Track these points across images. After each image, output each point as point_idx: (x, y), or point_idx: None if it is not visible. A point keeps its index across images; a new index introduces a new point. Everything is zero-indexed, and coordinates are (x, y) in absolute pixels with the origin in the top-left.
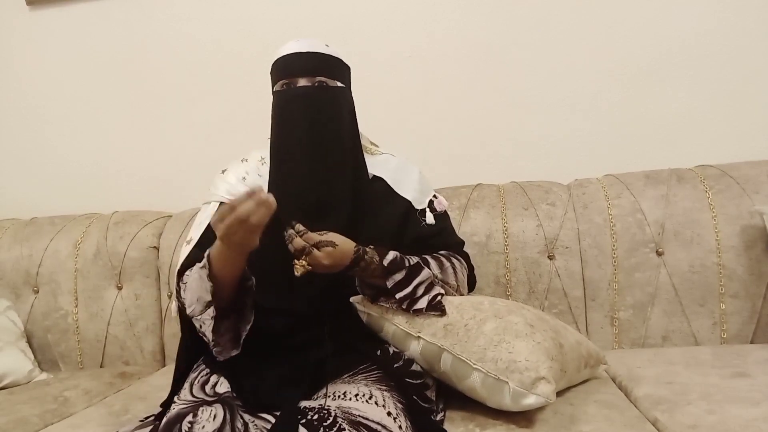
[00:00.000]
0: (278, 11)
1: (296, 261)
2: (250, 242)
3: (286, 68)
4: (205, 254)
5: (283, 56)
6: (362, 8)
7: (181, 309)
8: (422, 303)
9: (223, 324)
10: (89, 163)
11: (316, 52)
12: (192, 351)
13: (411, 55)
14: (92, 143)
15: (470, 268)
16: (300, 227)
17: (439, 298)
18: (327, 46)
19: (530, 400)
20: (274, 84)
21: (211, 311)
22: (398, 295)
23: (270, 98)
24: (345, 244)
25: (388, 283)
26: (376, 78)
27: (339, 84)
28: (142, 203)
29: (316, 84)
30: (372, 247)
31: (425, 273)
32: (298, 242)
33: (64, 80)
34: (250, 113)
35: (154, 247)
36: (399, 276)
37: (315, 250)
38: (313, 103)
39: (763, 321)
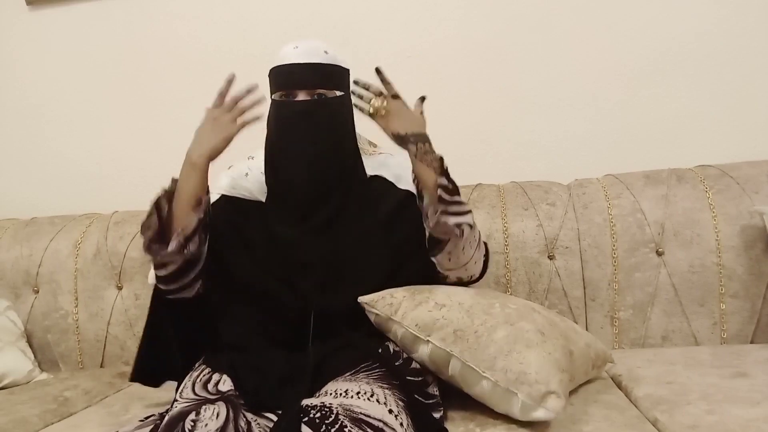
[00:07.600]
0: (278, 11)
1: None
2: (230, 129)
3: (285, 80)
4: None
5: (282, 66)
6: (362, 8)
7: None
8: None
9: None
10: (89, 163)
11: (315, 63)
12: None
13: (411, 55)
14: (92, 143)
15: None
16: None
17: (465, 223)
18: (326, 53)
19: (539, 414)
20: (272, 90)
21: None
22: (441, 181)
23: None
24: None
25: (439, 180)
26: (376, 78)
27: (338, 93)
28: (142, 203)
29: (315, 97)
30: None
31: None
32: (377, 87)
33: (64, 80)
34: None
35: None
36: (446, 181)
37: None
38: (312, 119)
39: (763, 321)
